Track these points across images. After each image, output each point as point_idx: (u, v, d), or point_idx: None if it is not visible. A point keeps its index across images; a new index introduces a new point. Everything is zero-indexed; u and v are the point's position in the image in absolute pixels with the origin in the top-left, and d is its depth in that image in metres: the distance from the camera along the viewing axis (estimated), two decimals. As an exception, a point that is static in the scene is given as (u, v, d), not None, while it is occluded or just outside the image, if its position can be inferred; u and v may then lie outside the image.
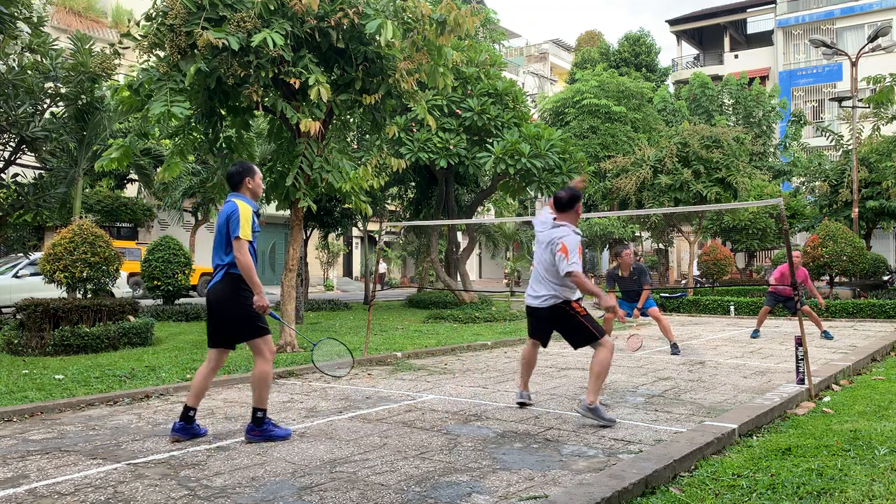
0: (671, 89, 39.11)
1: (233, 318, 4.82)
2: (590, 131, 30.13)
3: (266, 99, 8.88)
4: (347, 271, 40.36)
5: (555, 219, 5.58)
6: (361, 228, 24.97)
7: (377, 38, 8.40)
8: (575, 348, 5.61)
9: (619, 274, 9.68)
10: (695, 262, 22.72)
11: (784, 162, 29.72)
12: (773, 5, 38.65)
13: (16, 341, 9.34)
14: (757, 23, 42.66)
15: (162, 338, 10.95)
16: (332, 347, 6.76)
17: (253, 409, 4.85)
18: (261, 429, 4.82)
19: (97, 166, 9.24)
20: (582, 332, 5.42)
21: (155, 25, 8.32)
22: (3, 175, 12.98)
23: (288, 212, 9.83)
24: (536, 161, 15.43)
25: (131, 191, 25.99)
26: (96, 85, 12.84)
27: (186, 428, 4.87)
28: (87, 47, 12.56)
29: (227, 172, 5.11)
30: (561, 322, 5.49)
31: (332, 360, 6.70)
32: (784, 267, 11.30)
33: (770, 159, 30.08)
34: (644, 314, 9.90)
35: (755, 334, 11.62)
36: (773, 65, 38.53)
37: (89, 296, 10.29)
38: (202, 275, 24.67)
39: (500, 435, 4.98)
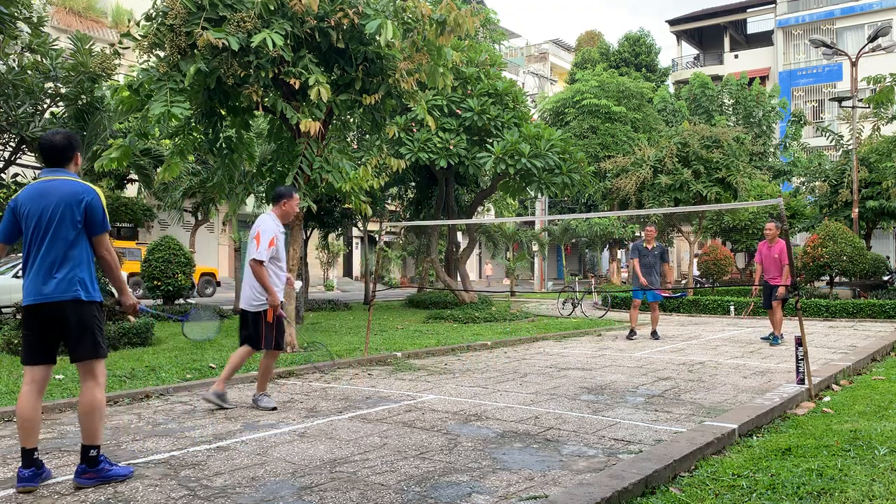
0: (671, 89, 39.12)
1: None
2: (590, 131, 30.13)
3: (266, 99, 8.88)
4: (347, 271, 40.38)
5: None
6: (361, 228, 24.97)
7: (377, 38, 8.39)
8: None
9: (645, 246, 11.33)
10: (694, 262, 22.71)
11: (784, 162, 29.73)
12: (773, 5, 38.67)
13: (16, 341, 9.33)
14: (757, 23, 42.71)
15: (162, 338, 10.95)
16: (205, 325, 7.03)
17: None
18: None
19: (97, 166, 9.22)
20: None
21: (155, 25, 8.33)
22: (3, 175, 12.97)
23: (288, 212, 9.81)
24: (536, 161, 15.42)
25: (131, 191, 25.97)
26: (96, 85, 12.82)
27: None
28: (87, 47, 12.55)
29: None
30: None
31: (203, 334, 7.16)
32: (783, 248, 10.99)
33: (770, 159, 30.07)
34: (645, 305, 11.42)
35: (776, 340, 10.67)
36: (773, 65, 38.55)
37: (89, 296, 10.27)
38: (202, 274, 24.69)
39: (500, 435, 4.98)
